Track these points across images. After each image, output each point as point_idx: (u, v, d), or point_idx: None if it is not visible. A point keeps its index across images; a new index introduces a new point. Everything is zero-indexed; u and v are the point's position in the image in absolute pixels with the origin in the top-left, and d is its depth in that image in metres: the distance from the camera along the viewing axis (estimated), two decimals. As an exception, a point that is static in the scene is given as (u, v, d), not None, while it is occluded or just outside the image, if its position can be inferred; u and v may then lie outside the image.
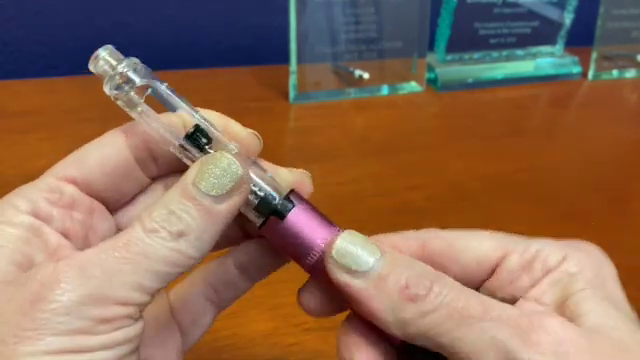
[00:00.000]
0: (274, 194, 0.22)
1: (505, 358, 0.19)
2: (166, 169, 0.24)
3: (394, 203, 0.52)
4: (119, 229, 0.24)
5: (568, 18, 0.84)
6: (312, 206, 0.23)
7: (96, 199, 0.23)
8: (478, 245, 0.23)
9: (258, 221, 0.23)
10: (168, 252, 0.19)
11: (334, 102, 0.71)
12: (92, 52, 0.22)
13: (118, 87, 0.21)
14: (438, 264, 0.23)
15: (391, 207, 0.52)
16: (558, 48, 0.86)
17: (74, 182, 0.22)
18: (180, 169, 0.23)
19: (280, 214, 0.22)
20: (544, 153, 0.65)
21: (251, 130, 0.24)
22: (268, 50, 0.78)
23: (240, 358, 0.35)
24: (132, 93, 0.22)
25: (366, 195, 0.53)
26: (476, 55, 0.81)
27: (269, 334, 0.37)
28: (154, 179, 0.24)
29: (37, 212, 0.21)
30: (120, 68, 0.21)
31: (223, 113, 0.24)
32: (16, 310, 0.17)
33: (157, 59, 0.79)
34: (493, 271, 0.23)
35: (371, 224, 0.48)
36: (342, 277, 0.21)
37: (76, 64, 0.73)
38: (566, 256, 0.21)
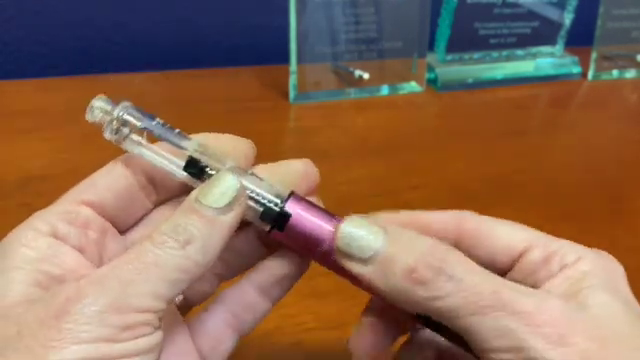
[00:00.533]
0: (275, 200, 0.23)
1: (516, 345, 0.20)
2: (165, 194, 0.25)
3: (394, 203, 0.52)
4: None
5: (568, 18, 0.84)
6: (312, 204, 0.24)
7: (107, 221, 0.24)
8: (508, 233, 0.25)
9: (267, 227, 0.24)
10: (177, 259, 0.20)
11: (334, 102, 0.71)
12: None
13: (117, 131, 0.23)
14: (468, 245, 0.24)
15: (391, 207, 0.51)
16: (558, 48, 0.86)
17: (91, 205, 0.23)
18: (179, 193, 0.25)
19: (283, 218, 0.23)
20: (544, 153, 0.65)
21: (243, 138, 0.25)
22: (268, 50, 0.78)
23: (240, 358, 0.35)
24: (131, 134, 0.23)
25: (366, 195, 0.53)
26: (476, 55, 0.81)
27: (269, 334, 0.37)
28: (157, 205, 0.26)
29: (55, 232, 0.22)
30: (115, 113, 0.23)
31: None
32: (43, 325, 0.19)
33: (157, 59, 0.79)
34: (515, 261, 0.24)
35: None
36: (351, 266, 0.22)
37: (76, 64, 0.74)
38: (581, 256, 0.23)
